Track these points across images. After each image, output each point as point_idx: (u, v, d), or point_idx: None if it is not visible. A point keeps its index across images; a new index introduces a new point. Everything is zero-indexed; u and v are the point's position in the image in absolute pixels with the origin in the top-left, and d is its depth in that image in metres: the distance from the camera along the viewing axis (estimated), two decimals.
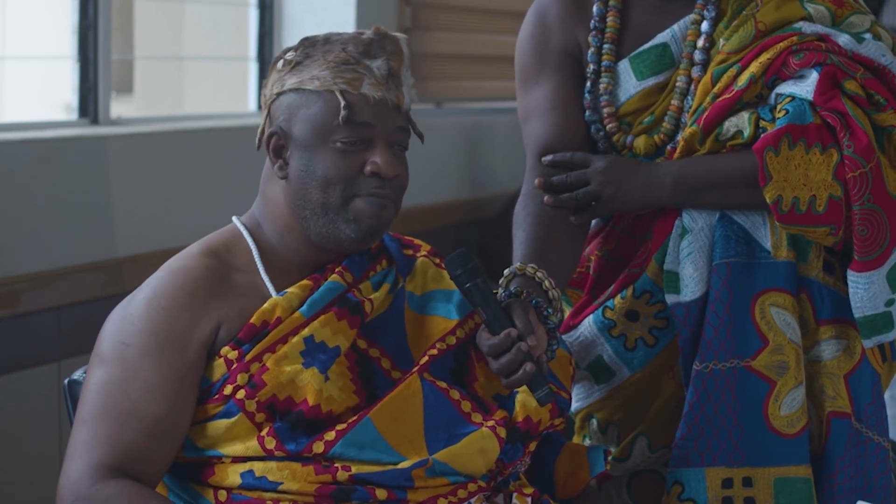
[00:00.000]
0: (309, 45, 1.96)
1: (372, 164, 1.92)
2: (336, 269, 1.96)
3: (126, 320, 1.88)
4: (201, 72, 5.12)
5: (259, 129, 1.98)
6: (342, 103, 1.90)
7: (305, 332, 1.90)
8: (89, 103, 3.72)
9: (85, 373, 1.95)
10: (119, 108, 4.01)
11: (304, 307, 1.92)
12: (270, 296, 1.93)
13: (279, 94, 1.95)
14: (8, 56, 3.95)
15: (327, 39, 1.96)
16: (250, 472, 1.85)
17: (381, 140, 1.93)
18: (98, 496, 1.80)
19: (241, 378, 1.87)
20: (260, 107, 4.35)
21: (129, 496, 1.80)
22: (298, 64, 1.94)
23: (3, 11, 3.96)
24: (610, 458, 2.25)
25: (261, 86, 4.41)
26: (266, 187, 1.99)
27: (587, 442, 2.32)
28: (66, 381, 2.03)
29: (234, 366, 1.87)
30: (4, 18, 3.97)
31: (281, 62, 1.96)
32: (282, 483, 1.84)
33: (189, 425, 1.87)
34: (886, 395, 2.28)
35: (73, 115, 3.74)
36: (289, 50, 1.97)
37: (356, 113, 1.91)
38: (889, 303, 2.12)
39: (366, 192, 1.92)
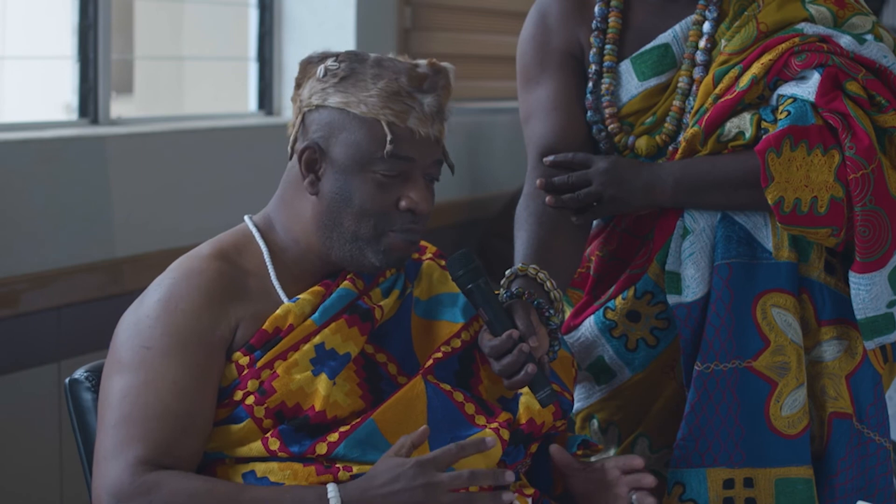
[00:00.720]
0: (356, 62, 1.92)
1: (408, 199, 1.91)
2: (348, 276, 1.96)
3: (142, 324, 1.87)
4: (201, 72, 5.12)
5: (291, 134, 1.95)
6: (388, 136, 1.88)
7: (316, 339, 1.89)
8: (89, 103, 3.72)
9: (92, 380, 1.95)
10: (119, 108, 4.01)
11: (317, 314, 1.91)
12: (282, 302, 1.92)
13: (319, 107, 1.92)
14: (8, 56, 3.95)
15: (378, 63, 1.92)
16: (252, 472, 1.85)
17: (419, 174, 1.92)
18: (141, 489, 1.78)
19: (251, 384, 1.86)
20: (260, 106, 4.44)
21: (171, 481, 1.78)
22: (344, 79, 1.91)
23: (3, 11, 3.95)
24: (611, 454, 2.25)
25: (262, 85, 4.48)
26: (290, 194, 1.97)
27: None
28: (66, 381, 2.03)
29: (245, 372, 1.87)
30: (4, 18, 3.97)
31: (322, 70, 1.92)
32: (283, 483, 1.83)
33: (213, 422, 1.86)
34: (887, 395, 2.28)
35: (73, 115, 3.73)
36: (329, 57, 1.94)
37: (400, 146, 1.89)
38: (891, 304, 2.12)
39: (398, 228, 1.92)
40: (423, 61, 1.94)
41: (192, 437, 1.83)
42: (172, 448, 1.81)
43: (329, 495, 1.77)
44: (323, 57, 1.95)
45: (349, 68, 1.92)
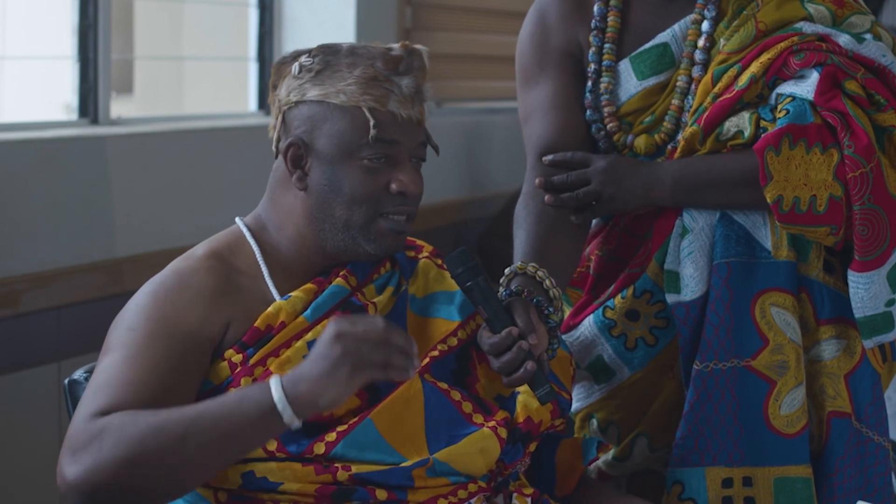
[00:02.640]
0: (330, 54, 1.93)
1: (398, 182, 1.92)
2: (340, 273, 1.96)
3: (130, 311, 1.87)
4: (201, 72, 5.12)
5: (273, 135, 1.96)
6: (371, 121, 1.89)
7: (309, 336, 1.89)
8: (89, 103, 3.72)
9: (88, 371, 1.94)
10: (119, 108, 4.01)
11: (308, 311, 1.91)
12: (274, 300, 1.92)
13: (298, 103, 1.93)
14: (8, 56, 3.95)
15: (352, 51, 1.93)
16: (251, 472, 1.84)
17: (405, 156, 1.93)
18: (91, 434, 1.73)
19: (244, 382, 1.86)
20: (260, 106, 4.44)
21: (121, 419, 1.73)
22: (319, 73, 1.92)
23: (3, 11, 3.96)
24: (611, 456, 2.26)
25: (262, 85, 4.48)
26: (278, 193, 1.97)
27: None
28: (66, 381, 2.03)
29: (238, 370, 1.87)
30: (4, 18, 3.97)
31: (297, 68, 1.93)
32: (282, 483, 1.83)
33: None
34: (885, 394, 2.28)
35: (73, 115, 3.73)
36: (301, 54, 1.95)
37: (384, 131, 1.90)
38: (889, 303, 2.12)
39: (390, 211, 1.92)
40: (396, 45, 1.95)
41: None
42: (135, 405, 1.76)
43: (272, 388, 1.71)
44: (295, 55, 1.96)
45: (324, 61, 1.93)
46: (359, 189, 1.91)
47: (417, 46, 1.96)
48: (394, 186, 1.92)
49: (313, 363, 1.71)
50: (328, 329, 1.71)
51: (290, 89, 1.94)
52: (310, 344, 1.88)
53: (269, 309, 1.90)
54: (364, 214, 1.92)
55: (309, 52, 1.95)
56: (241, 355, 1.88)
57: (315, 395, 1.70)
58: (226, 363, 1.88)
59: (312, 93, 1.92)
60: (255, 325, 1.89)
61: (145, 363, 1.82)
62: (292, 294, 1.92)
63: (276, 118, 1.96)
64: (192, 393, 1.85)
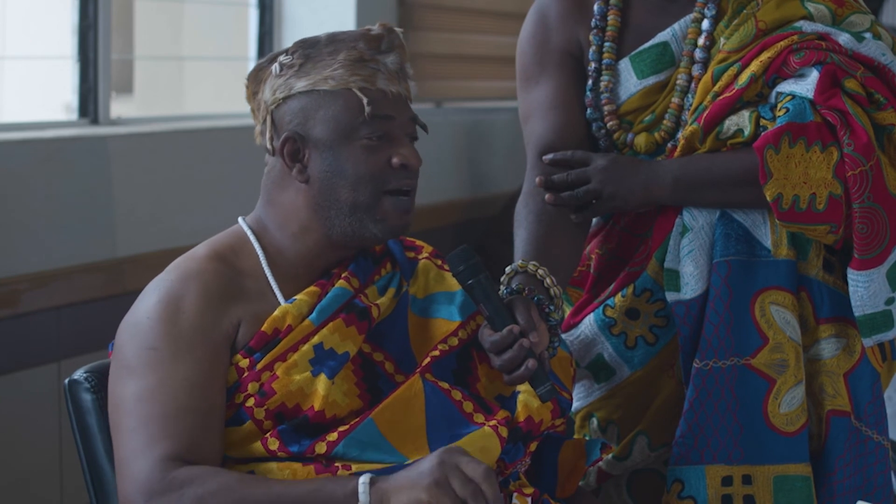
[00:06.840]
0: (308, 47, 1.95)
1: (399, 156, 1.93)
2: (342, 275, 1.96)
3: (144, 325, 1.86)
4: (201, 72, 5.13)
5: (265, 137, 1.96)
6: (364, 100, 1.91)
7: (315, 339, 1.90)
8: (89, 103, 3.72)
9: (92, 380, 1.94)
10: (119, 108, 4.02)
11: (314, 314, 1.91)
12: (279, 302, 1.92)
13: (286, 99, 1.94)
14: (8, 56, 3.95)
15: (332, 39, 1.95)
16: (251, 472, 1.85)
17: (400, 132, 1.95)
18: (172, 484, 1.76)
19: (251, 387, 1.86)
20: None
21: (204, 475, 1.76)
22: (302, 66, 1.93)
23: (3, 11, 3.96)
24: (610, 455, 2.26)
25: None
26: (275, 191, 1.97)
27: None
28: (66, 381, 2.02)
29: (245, 374, 1.87)
30: (4, 18, 3.98)
31: (277, 67, 1.94)
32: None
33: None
34: (886, 394, 2.28)
35: (73, 115, 3.74)
36: (279, 54, 1.96)
37: (378, 108, 1.92)
38: (889, 301, 2.12)
39: (395, 186, 1.93)
40: (373, 26, 1.97)
41: (211, 433, 1.82)
42: (195, 445, 1.80)
43: (361, 476, 1.76)
44: (271, 58, 1.97)
45: (304, 55, 1.94)
46: (362, 168, 1.92)
47: (395, 27, 1.99)
48: (395, 160, 1.93)
49: (410, 467, 1.76)
50: (441, 449, 1.77)
51: (274, 88, 1.95)
52: (315, 347, 1.89)
53: (275, 313, 1.90)
54: (370, 193, 1.92)
55: (286, 50, 1.96)
56: (248, 360, 1.88)
57: (394, 489, 1.73)
58: (233, 368, 1.88)
59: (299, 85, 1.93)
60: (262, 329, 1.89)
61: (181, 385, 1.82)
62: (297, 297, 1.92)
63: (264, 121, 1.97)
64: (224, 395, 1.86)
